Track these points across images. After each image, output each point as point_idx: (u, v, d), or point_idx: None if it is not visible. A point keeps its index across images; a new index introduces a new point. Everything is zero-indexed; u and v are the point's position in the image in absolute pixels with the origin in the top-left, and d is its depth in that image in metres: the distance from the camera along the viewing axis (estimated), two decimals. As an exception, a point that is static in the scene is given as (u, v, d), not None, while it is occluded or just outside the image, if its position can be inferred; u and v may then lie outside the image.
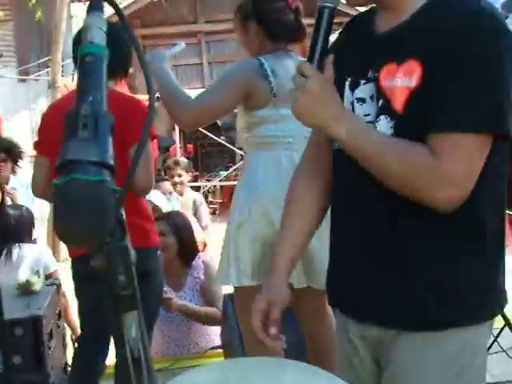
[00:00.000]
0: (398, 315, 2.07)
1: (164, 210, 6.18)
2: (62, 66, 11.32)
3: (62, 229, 1.35)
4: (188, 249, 4.98)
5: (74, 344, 4.82)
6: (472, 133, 1.82)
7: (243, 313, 3.55)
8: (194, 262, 4.96)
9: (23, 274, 5.14)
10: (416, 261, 2.03)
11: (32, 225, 5.85)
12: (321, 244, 3.14)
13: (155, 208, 6.09)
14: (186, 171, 7.87)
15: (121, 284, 1.38)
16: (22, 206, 5.78)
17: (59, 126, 3.64)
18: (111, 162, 1.35)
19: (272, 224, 3.31)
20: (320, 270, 3.35)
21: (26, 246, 5.54)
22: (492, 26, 1.92)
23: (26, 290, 4.13)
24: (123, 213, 1.40)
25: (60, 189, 1.30)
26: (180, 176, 7.59)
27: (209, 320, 4.90)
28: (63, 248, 6.68)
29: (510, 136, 1.87)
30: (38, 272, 4.55)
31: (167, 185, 7.58)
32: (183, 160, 8.49)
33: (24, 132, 11.43)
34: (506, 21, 3.91)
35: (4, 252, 5.44)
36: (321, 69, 1.97)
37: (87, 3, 1.59)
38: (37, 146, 3.97)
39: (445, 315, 2.04)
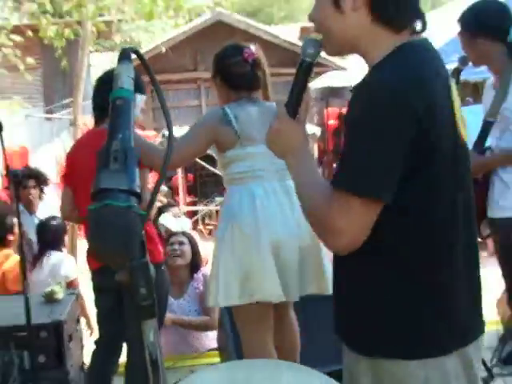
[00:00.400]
0: (349, 340, 2.08)
1: (174, 230, 6.19)
2: (82, 106, 11.52)
3: (94, 247, 1.48)
4: (196, 260, 5.07)
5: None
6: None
7: (242, 327, 3.60)
8: (195, 275, 5.04)
9: (49, 278, 5.40)
10: (346, 292, 2.08)
11: (64, 235, 6.04)
12: (294, 258, 3.41)
13: (167, 230, 6.27)
14: (166, 196, 8.27)
15: (142, 296, 1.47)
16: (58, 217, 5.75)
17: (82, 162, 4.19)
18: (138, 190, 1.45)
19: (248, 240, 3.36)
20: (293, 283, 3.47)
21: (53, 253, 5.71)
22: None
23: (50, 298, 4.21)
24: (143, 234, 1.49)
25: (94, 213, 1.41)
26: (160, 202, 7.82)
27: (202, 328, 5.00)
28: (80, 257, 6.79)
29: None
30: (60, 283, 4.60)
31: (176, 209, 7.76)
32: (163, 188, 8.84)
33: (49, 162, 11.52)
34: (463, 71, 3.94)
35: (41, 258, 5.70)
36: (293, 113, 2.04)
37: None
38: (63, 178, 4.23)
39: (371, 344, 2.00)
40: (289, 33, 17.49)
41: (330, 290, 3.20)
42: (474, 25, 3.84)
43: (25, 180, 6.19)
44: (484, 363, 4.06)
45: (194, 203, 14.96)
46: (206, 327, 4.89)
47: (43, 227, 5.78)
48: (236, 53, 3.48)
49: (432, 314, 1.94)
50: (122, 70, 1.59)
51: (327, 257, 3.40)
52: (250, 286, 3.35)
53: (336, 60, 13.26)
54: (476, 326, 2.09)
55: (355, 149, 1.83)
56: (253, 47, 3.52)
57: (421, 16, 2.03)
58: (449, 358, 1.93)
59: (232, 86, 3.49)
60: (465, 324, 1.99)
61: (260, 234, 3.32)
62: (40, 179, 6.47)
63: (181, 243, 4.81)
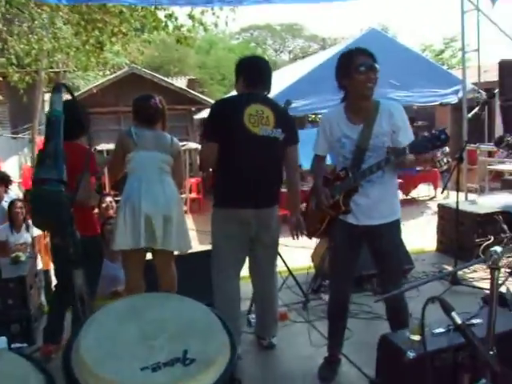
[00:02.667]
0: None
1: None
2: (38, 129, 11.52)
3: (36, 220, 1.52)
4: None
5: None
6: None
7: (125, 267, 3.78)
8: None
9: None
10: None
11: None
12: (177, 215, 3.65)
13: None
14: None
15: (70, 254, 1.49)
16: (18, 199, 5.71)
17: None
18: (65, 179, 1.43)
19: (132, 210, 3.53)
20: (172, 236, 3.62)
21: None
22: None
23: (15, 261, 4.21)
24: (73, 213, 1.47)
25: (34, 195, 1.43)
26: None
27: None
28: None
29: None
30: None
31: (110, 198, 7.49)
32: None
33: (14, 168, 11.23)
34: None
35: None
36: None
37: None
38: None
39: None
40: (180, 82, 18.20)
41: (191, 247, 3.83)
42: None
43: (-3, 180, 6.04)
44: (303, 292, 4.59)
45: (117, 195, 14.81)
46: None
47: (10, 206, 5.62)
48: (146, 100, 3.72)
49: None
50: (56, 98, 1.60)
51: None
52: (122, 238, 3.56)
53: (211, 100, 14.01)
54: None
55: None
56: (157, 98, 3.76)
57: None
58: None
59: (139, 120, 3.73)
60: None
61: (140, 206, 3.52)
62: (5, 179, 6.33)
63: (111, 224, 4.58)
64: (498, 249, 1.70)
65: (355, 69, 2.82)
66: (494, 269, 1.70)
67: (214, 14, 8.31)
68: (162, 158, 3.70)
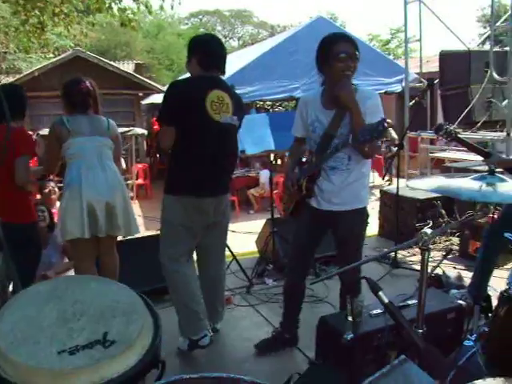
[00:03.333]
0: None
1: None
2: None
3: None
4: (52, 221, 4.69)
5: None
6: None
7: (75, 258, 3.77)
8: (53, 232, 4.58)
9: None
10: None
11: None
12: (121, 201, 3.57)
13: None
14: None
15: None
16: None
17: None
18: None
19: (74, 199, 3.44)
20: (118, 222, 3.56)
21: None
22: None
23: None
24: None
25: None
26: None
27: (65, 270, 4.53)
28: None
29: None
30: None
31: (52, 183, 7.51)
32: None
33: None
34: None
35: None
36: None
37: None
38: None
39: None
40: (127, 66, 17.85)
41: (138, 232, 3.73)
42: None
43: None
44: (247, 276, 4.60)
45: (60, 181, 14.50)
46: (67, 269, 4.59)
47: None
48: (76, 84, 3.56)
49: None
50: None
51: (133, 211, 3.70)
52: (67, 228, 3.47)
53: (158, 86, 13.85)
54: None
55: None
56: (87, 81, 3.59)
57: None
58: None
59: (71, 105, 3.58)
60: None
61: (81, 194, 3.43)
62: None
63: (42, 211, 4.59)
64: (428, 231, 1.74)
65: (334, 56, 2.77)
66: (424, 250, 1.74)
67: (159, -4, 8.14)
68: (101, 142, 3.60)
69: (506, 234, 2.18)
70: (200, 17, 38.51)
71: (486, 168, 1.97)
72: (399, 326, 1.45)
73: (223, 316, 3.74)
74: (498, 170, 1.99)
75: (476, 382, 1.55)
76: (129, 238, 4.01)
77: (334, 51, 2.77)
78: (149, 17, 21.74)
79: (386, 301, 1.50)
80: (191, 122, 3.12)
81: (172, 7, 8.25)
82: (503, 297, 2.10)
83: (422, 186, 1.98)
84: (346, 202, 2.98)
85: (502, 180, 1.86)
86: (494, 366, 2.05)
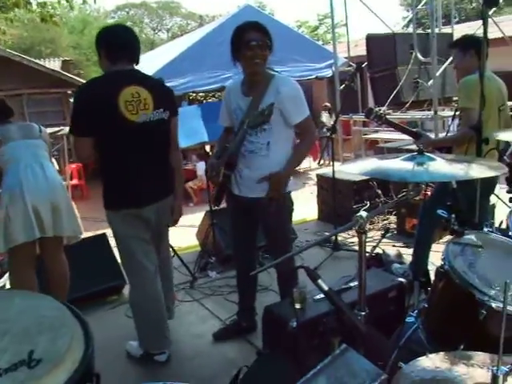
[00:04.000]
0: None
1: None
2: None
3: None
4: None
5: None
6: None
7: (15, 265, 3.55)
8: None
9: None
10: None
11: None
12: (64, 201, 3.51)
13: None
14: None
15: None
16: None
17: None
18: None
19: (14, 203, 3.33)
20: (62, 221, 3.47)
21: None
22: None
23: None
24: None
25: None
26: None
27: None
28: None
29: None
30: None
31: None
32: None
33: None
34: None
35: None
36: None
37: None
38: None
39: None
40: (54, 64, 17.26)
41: (82, 233, 3.64)
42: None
43: None
44: (190, 271, 4.53)
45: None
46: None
47: None
48: None
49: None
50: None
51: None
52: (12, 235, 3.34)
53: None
54: None
55: None
56: None
57: None
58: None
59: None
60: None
61: (24, 197, 3.33)
62: None
63: None
64: (364, 214, 1.74)
65: (244, 44, 2.84)
66: (361, 233, 1.74)
67: (80, -10, 7.85)
68: (35, 144, 3.54)
69: (438, 211, 2.22)
70: (127, 10, 37.65)
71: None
72: (340, 312, 1.44)
73: (174, 313, 3.66)
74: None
75: (418, 359, 1.56)
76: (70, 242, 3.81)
77: (245, 39, 2.83)
78: (73, 12, 20.98)
79: (326, 288, 1.49)
80: (107, 130, 2.83)
81: (95, 1, 7.98)
82: (439, 272, 2.14)
83: (353, 170, 1.98)
84: (265, 188, 2.94)
85: (431, 159, 1.89)
86: (435, 341, 2.09)
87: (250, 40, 2.81)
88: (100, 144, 2.87)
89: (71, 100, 13.30)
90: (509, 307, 1.80)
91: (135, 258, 3.11)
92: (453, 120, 3.81)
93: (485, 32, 2.44)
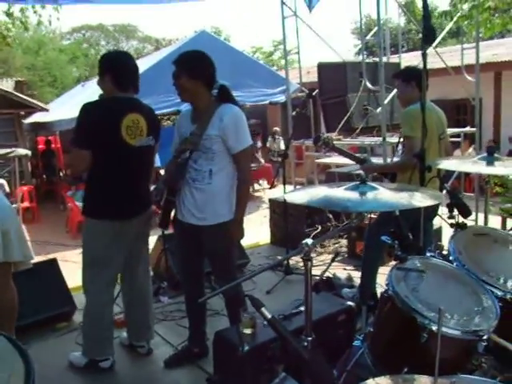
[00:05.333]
0: None
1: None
2: None
3: None
4: None
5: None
6: None
7: None
8: None
9: None
10: None
11: None
12: (14, 224, 3.21)
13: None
14: None
15: None
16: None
17: None
18: None
19: None
20: (13, 246, 3.17)
21: None
22: None
23: None
24: None
25: None
26: None
27: None
28: None
29: None
30: None
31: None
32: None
33: None
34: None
35: None
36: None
37: None
38: None
39: None
40: (6, 84, 16.86)
41: (33, 258, 3.39)
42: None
43: None
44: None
45: None
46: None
47: None
48: None
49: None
50: None
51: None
52: None
53: (41, 104, 13.18)
54: None
55: None
56: None
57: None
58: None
59: None
60: None
61: None
62: None
63: None
64: (309, 241, 1.78)
65: None
66: (306, 260, 1.77)
67: (35, 12, 7.74)
68: None
69: (382, 238, 2.27)
70: (83, 32, 37.25)
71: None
72: (283, 340, 1.45)
73: (153, 334, 3.69)
74: (372, 176, 2.12)
75: (364, 382, 1.59)
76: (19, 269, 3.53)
77: None
78: (28, 32, 20.67)
79: (269, 316, 1.50)
80: (107, 148, 3.09)
81: (50, 23, 7.90)
82: (383, 296, 2.19)
83: (297, 200, 2.01)
84: (206, 217, 3.04)
85: (373, 188, 1.94)
86: (380, 365, 2.12)
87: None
88: (97, 159, 3.08)
89: (24, 121, 13.04)
90: (446, 329, 1.87)
91: (98, 267, 3.25)
92: (397, 147, 3.92)
93: (424, 65, 2.55)
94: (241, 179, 3.06)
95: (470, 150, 8.00)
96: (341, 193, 1.95)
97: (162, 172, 5.34)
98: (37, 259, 4.95)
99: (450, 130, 6.81)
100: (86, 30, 37.18)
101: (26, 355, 1.25)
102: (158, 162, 4.64)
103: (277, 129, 13.26)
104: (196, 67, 3.02)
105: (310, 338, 1.81)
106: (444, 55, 7.46)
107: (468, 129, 6.99)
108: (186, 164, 3.00)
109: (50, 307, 4.12)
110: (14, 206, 9.25)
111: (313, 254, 5.36)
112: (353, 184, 1.98)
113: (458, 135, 7.00)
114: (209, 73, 3.05)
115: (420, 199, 2.02)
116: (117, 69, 3.17)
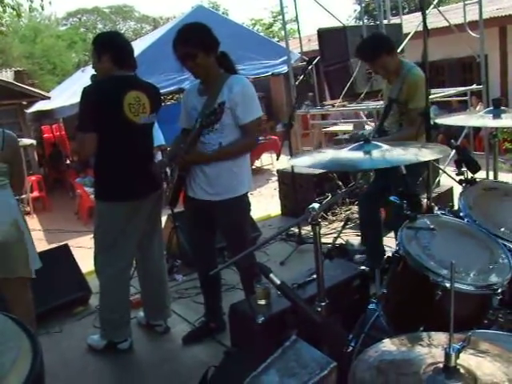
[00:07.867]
0: None
1: None
2: None
3: None
4: None
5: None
6: None
7: None
8: None
9: None
10: None
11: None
12: (18, 237, 2.99)
13: None
14: None
15: None
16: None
17: None
18: None
19: None
20: (14, 261, 2.98)
21: None
22: None
23: None
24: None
25: None
26: None
27: None
28: None
29: None
30: None
31: None
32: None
33: None
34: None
35: None
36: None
37: None
38: None
39: None
40: (6, 75, 16.84)
41: (33, 275, 3.03)
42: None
43: None
44: None
45: None
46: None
47: None
48: None
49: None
50: None
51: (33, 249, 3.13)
52: None
53: (43, 92, 13.15)
54: None
55: None
56: None
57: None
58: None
59: None
60: None
61: None
62: None
63: None
64: (316, 205, 1.76)
65: (178, 59, 2.95)
66: (314, 224, 1.76)
67: (26, -3, 7.64)
68: None
69: (391, 198, 2.26)
70: (79, 16, 37.04)
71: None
72: (295, 305, 1.45)
73: (170, 312, 3.75)
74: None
75: (377, 344, 1.58)
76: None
77: (176, 55, 2.94)
78: (23, 21, 20.53)
79: (278, 282, 1.50)
80: (112, 127, 3.07)
81: (42, 7, 7.82)
82: (395, 257, 2.18)
83: (303, 164, 2.00)
84: (219, 192, 3.00)
85: (377, 146, 1.92)
86: (396, 325, 2.13)
87: (178, 57, 2.92)
88: (103, 140, 3.06)
89: (27, 111, 13.04)
90: (459, 285, 1.86)
91: (114, 249, 3.25)
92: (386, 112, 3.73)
93: (424, 23, 2.50)
94: (239, 141, 2.97)
95: (479, 107, 7.89)
96: (346, 153, 1.93)
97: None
98: (51, 247, 5.13)
99: (457, 89, 6.83)
100: (82, 13, 36.95)
101: (32, 334, 1.25)
102: (162, 139, 4.60)
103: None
104: (208, 42, 2.93)
105: (323, 303, 1.81)
106: (447, 13, 7.33)
107: (474, 86, 6.85)
108: (198, 137, 2.93)
109: (66, 293, 4.17)
110: (23, 196, 9.36)
111: (325, 223, 5.33)
112: (357, 144, 1.95)
113: (464, 94, 6.89)
114: (217, 43, 2.97)
115: (426, 154, 2.00)
116: (115, 47, 3.14)
